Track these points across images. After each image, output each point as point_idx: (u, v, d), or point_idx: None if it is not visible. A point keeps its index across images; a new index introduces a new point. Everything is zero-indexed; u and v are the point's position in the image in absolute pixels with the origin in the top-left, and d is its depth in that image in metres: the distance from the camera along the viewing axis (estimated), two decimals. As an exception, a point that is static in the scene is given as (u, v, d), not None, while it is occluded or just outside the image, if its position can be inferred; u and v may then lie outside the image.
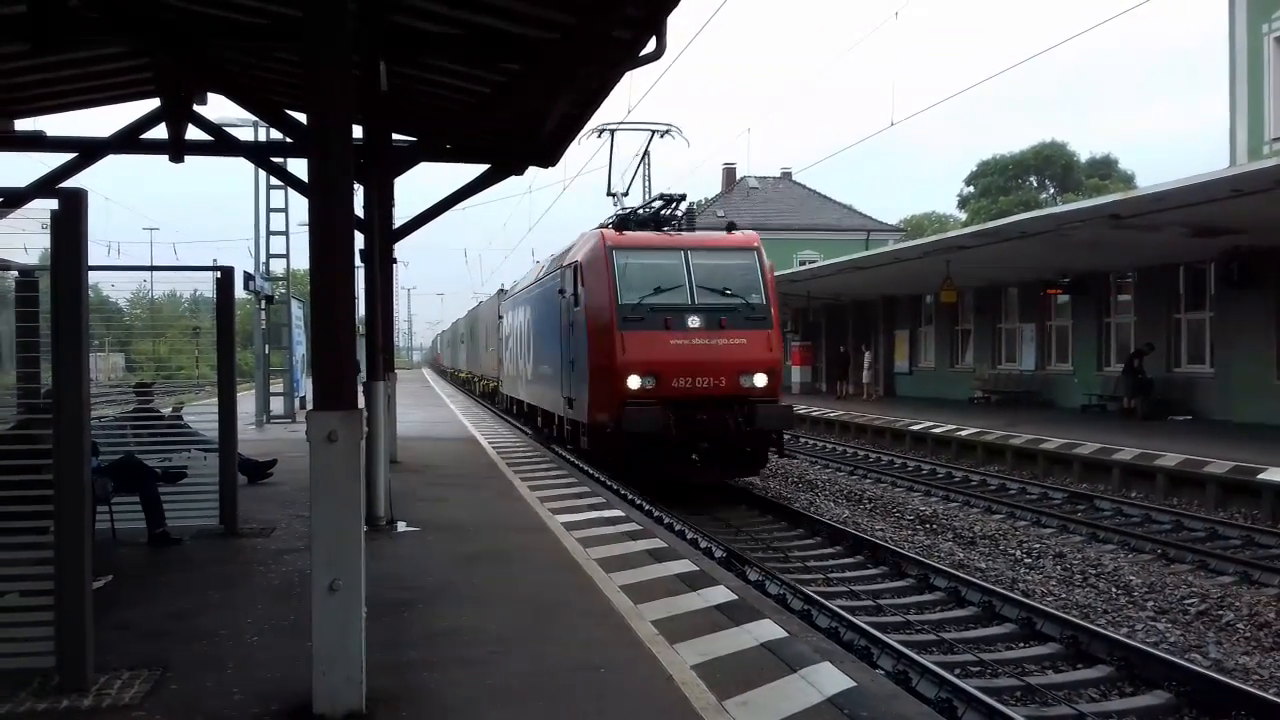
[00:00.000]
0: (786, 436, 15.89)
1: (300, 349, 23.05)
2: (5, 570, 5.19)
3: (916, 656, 6.92)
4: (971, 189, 72.40)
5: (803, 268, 32.27)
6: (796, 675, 5.34)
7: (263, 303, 22.27)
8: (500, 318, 29.61)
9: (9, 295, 7.11)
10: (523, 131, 13.35)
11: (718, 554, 10.10)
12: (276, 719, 4.58)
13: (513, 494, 11.86)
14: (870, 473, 18.39)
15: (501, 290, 34.60)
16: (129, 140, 12.79)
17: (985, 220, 36.91)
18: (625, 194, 17.89)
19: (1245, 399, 19.90)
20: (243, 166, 25.98)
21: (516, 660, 5.44)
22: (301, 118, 10.75)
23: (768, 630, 6.16)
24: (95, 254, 5.66)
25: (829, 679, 5.28)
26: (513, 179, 14.35)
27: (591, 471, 15.46)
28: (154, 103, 12.93)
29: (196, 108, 12.98)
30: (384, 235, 11.62)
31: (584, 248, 15.92)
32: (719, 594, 7.05)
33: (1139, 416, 21.33)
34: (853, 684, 5.21)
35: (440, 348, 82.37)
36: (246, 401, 19.50)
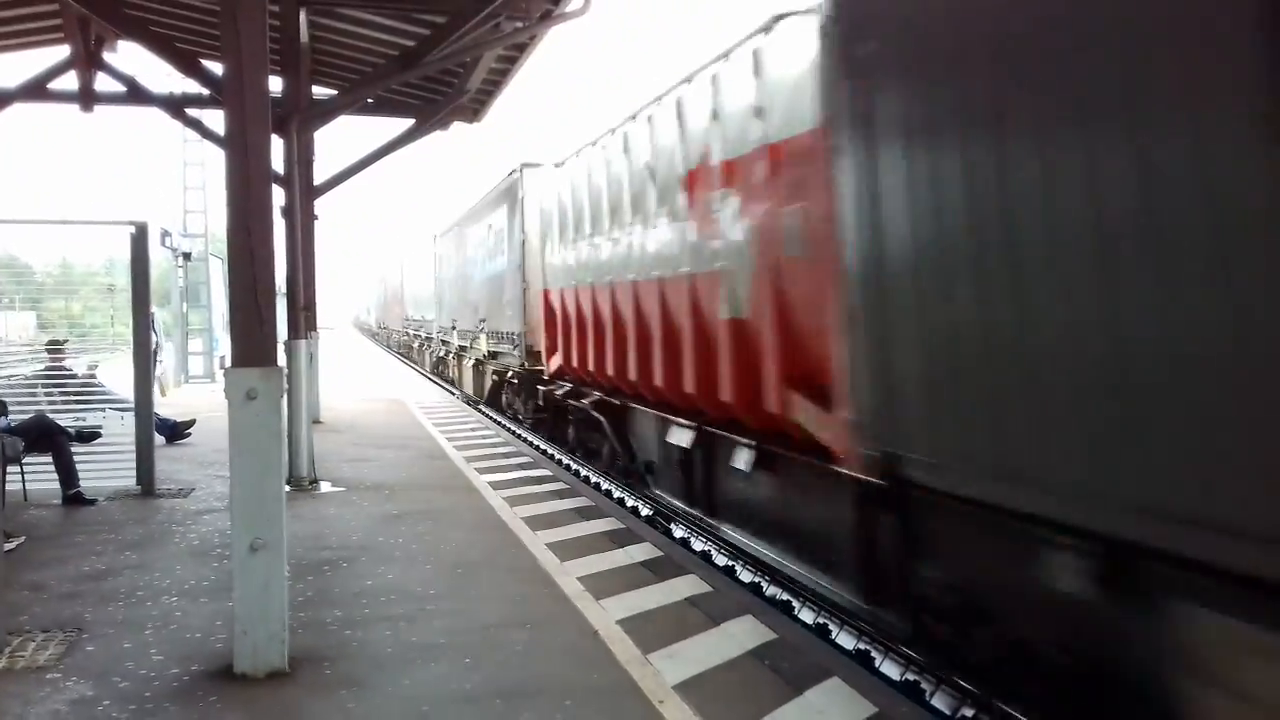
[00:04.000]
0: None
1: (218, 308, 22.52)
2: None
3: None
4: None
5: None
6: (719, 628, 5.45)
7: (180, 259, 21.68)
8: None
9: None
10: (449, 86, 13.19)
11: (644, 512, 10.17)
12: (197, 679, 4.51)
13: (439, 454, 11.80)
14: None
15: None
16: (36, 89, 12.35)
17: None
18: None
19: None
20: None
21: (442, 618, 5.44)
22: (218, 68, 10.44)
23: (692, 585, 6.26)
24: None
25: (751, 632, 5.40)
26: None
27: (518, 432, 15.43)
28: (64, 51, 12.49)
29: (109, 57, 12.58)
30: (305, 190, 11.40)
31: None
32: (644, 551, 7.14)
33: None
34: (774, 636, 5.33)
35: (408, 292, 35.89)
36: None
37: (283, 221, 10.35)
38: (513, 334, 14.88)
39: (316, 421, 12.96)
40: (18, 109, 12.77)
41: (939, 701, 5.21)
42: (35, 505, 8.21)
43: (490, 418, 16.86)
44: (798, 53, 6.11)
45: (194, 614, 5.46)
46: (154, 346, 18.70)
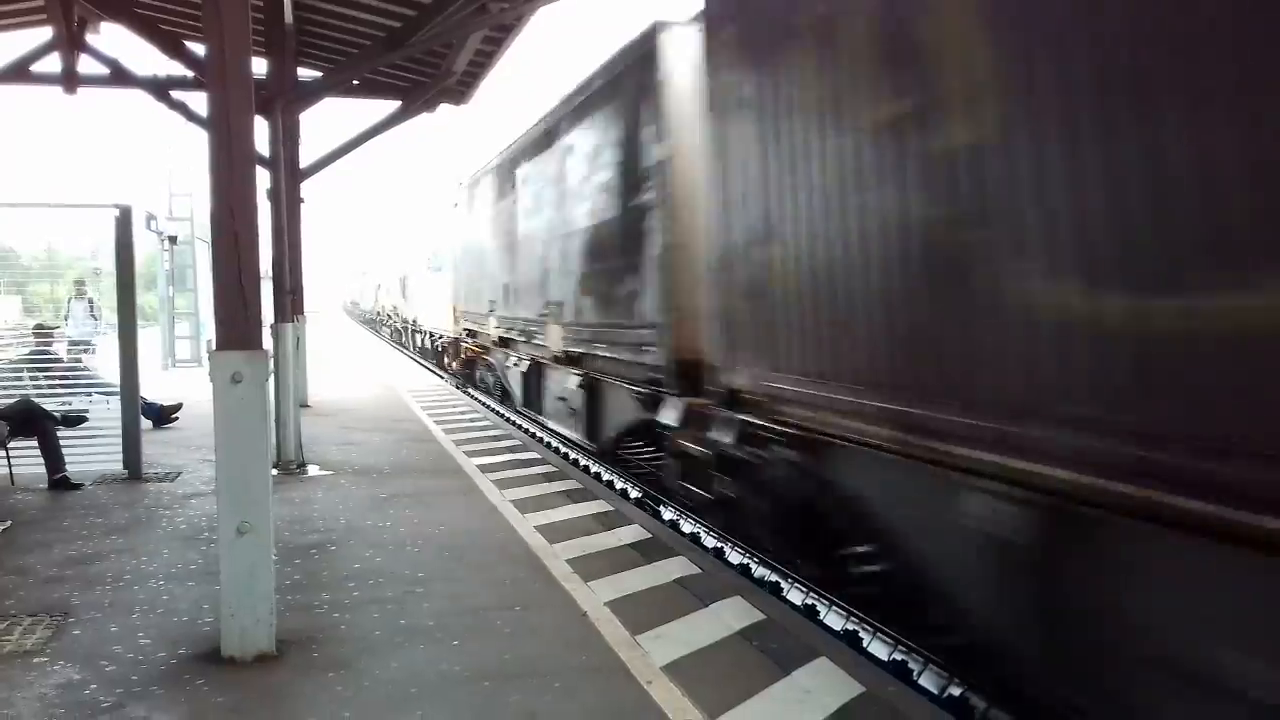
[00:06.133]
0: None
1: (205, 292, 22.43)
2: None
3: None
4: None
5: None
6: (708, 610, 5.45)
7: (166, 242, 21.55)
8: None
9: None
10: (435, 68, 13.12)
11: (633, 494, 10.18)
12: (184, 662, 4.51)
13: (428, 437, 11.78)
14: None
15: None
16: (19, 71, 12.24)
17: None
18: None
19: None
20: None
21: (430, 600, 5.44)
22: (202, 50, 10.38)
23: (681, 567, 6.27)
24: None
25: (739, 612, 5.40)
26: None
27: (506, 415, 15.42)
28: (46, 33, 12.37)
29: (92, 39, 12.47)
30: (291, 173, 11.33)
31: None
32: (633, 533, 7.14)
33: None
34: (763, 617, 5.34)
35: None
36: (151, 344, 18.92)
37: (268, 204, 10.29)
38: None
39: (305, 405, 12.93)
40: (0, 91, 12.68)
41: (926, 681, 5.24)
42: (21, 490, 8.19)
43: (480, 400, 16.80)
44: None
45: (181, 598, 5.45)
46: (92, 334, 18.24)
